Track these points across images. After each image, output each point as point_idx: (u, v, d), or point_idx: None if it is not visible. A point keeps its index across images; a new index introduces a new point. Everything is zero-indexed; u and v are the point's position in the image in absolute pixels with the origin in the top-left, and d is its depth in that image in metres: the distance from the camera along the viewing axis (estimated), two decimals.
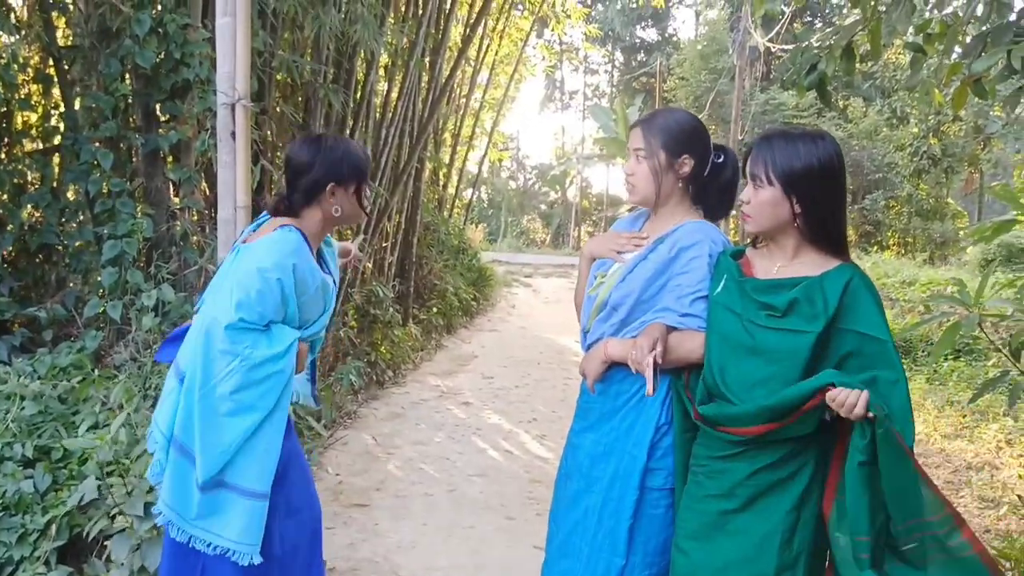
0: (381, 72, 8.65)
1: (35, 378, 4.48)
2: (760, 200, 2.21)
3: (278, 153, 6.55)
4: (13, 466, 3.67)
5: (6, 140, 5.63)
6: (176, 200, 5.57)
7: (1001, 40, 3.48)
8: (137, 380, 4.41)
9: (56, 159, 5.68)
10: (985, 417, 7.30)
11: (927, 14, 4.45)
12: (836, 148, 2.19)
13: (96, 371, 4.58)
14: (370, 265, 8.54)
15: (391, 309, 8.70)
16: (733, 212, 2.65)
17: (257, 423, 2.49)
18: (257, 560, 2.49)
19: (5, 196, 5.34)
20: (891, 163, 24.93)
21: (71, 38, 5.80)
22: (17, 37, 5.42)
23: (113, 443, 3.64)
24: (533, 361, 10.13)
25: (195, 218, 5.55)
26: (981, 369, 8.77)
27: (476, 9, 10.94)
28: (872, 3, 4.12)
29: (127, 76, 5.37)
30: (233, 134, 3.28)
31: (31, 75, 5.81)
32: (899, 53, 21.70)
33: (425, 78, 9.75)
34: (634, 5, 40.03)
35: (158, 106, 5.42)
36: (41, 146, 5.80)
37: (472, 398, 7.91)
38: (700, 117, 2.63)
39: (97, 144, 5.26)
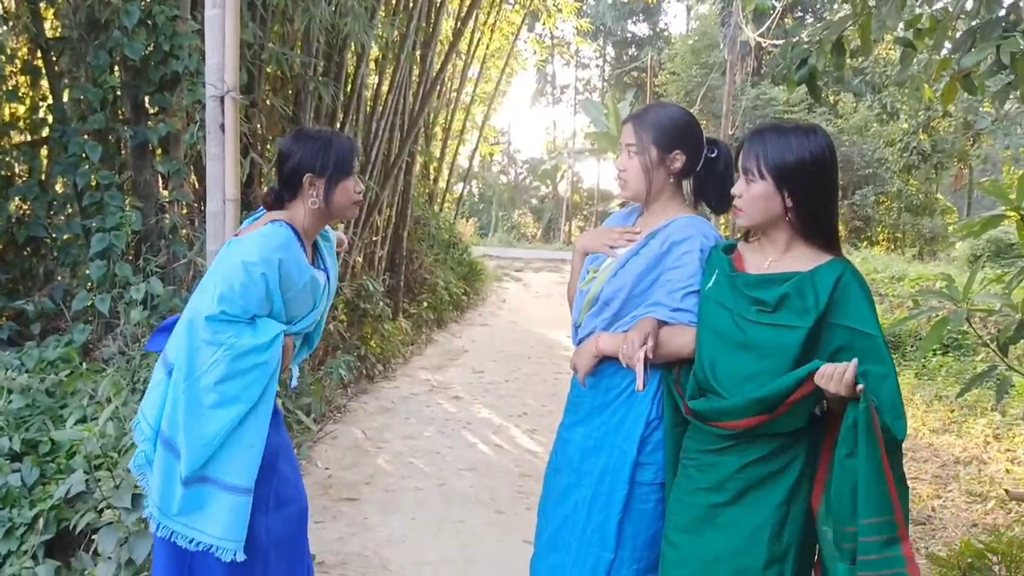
0: (371, 65, 8.63)
1: (23, 371, 4.46)
2: (752, 194, 2.21)
3: (268, 146, 6.53)
4: (0, 460, 3.65)
5: None
6: (165, 193, 5.54)
7: (990, 35, 3.49)
8: (125, 373, 4.40)
9: (44, 151, 5.65)
10: (973, 412, 7.34)
11: (917, 9, 4.46)
12: (828, 142, 2.19)
13: (84, 364, 4.57)
14: (360, 259, 8.52)
15: (381, 303, 8.69)
16: None
17: (242, 415, 2.47)
18: (241, 557, 2.47)
19: None
20: (881, 158, 25.00)
21: (59, 29, 5.76)
22: (5, 28, 5.39)
23: (101, 436, 3.63)
24: (523, 355, 10.14)
25: (184, 211, 5.52)
26: (969, 364, 8.81)
27: (467, 2, 10.90)
28: None
29: (116, 68, 5.34)
30: (222, 126, 3.26)
31: (19, 67, 5.77)
32: (889, 48, 21.76)
33: (416, 71, 9.72)
34: (625, 0, 40.01)
35: (147, 98, 5.39)
36: (29, 138, 5.76)
37: (462, 392, 7.91)
38: (691, 112, 2.63)
39: (85, 136, 5.23)
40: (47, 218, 5.44)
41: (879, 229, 25.59)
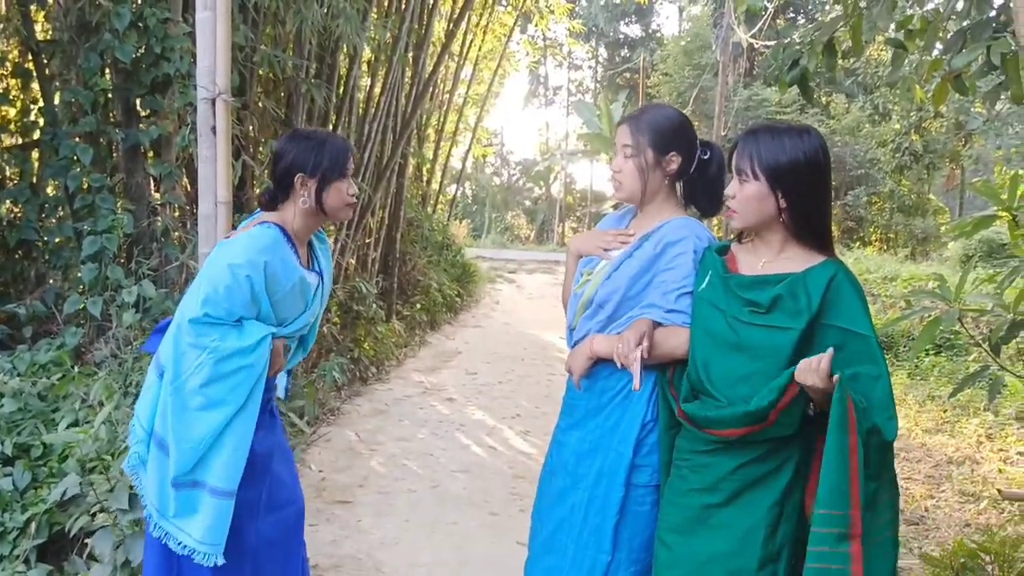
0: (364, 67, 8.62)
1: (14, 375, 4.44)
2: (746, 194, 2.20)
3: (260, 148, 6.52)
4: None
5: None
6: (157, 196, 5.53)
7: (981, 36, 3.50)
8: (117, 377, 4.38)
9: (35, 154, 5.62)
10: (966, 411, 7.36)
11: (908, 10, 4.47)
12: (821, 143, 2.19)
13: (76, 368, 4.55)
14: (353, 261, 8.51)
15: (374, 305, 8.69)
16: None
17: (228, 418, 2.46)
18: (220, 562, 2.46)
19: None
20: (873, 159, 25.07)
21: (50, 32, 5.74)
22: None
23: (94, 439, 3.62)
24: (517, 357, 10.14)
25: (176, 214, 5.51)
26: (962, 364, 8.83)
27: (459, 4, 10.90)
28: None
29: (107, 71, 5.32)
30: (214, 129, 3.25)
31: (9, 69, 5.74)
32: (881, 49, 21.84)
33: (408, 73, 9.72)
34: (617, 1, 40.04)
35: (138, 101, 5.38)
36: (20, 141, 5.74)
37: (456, 394, 7.91)
38: (684, 113, 2.63)
39: (77, 139, 5.21)
40: (38, 221, 5.42)
41: (871, 229, 25.66)
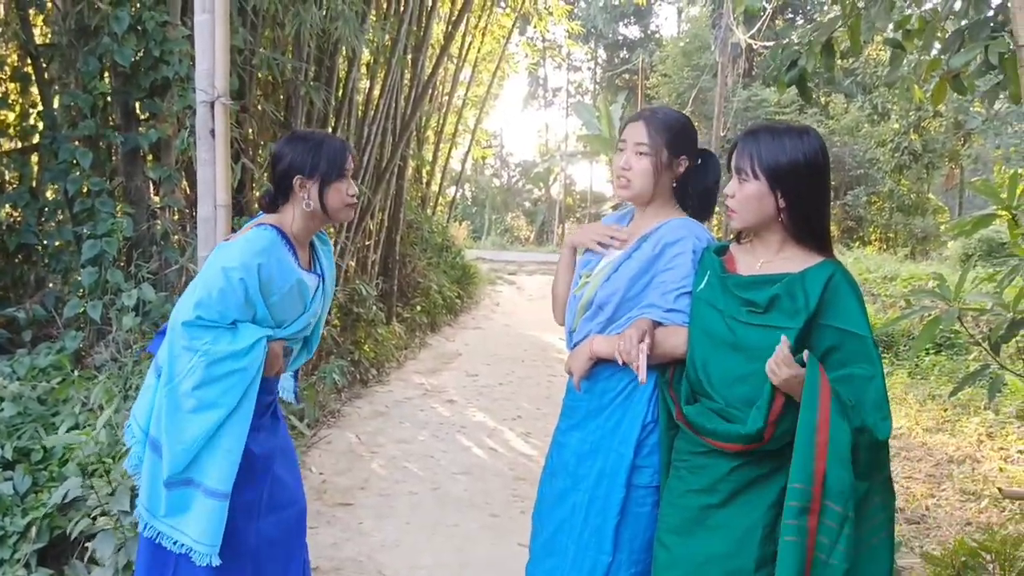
0: (363, 70, 8.63)
1: (14, 379, 4.44)
2: (745, 194, 2.20)
3: (259, 151, 6.52)
4: None
5: None
6: (156, 199, 5.53)
7: (979, 36, 3.50)
8: (117, 380, 4.38)
9: (35, 158, 5.63)
10: (966, 410, 7.36)
11: (906, 10, 4.47)
12: (821, 144, 2.19)
13: (76, 372, 4.55)
14: (353, 263, 8.51)
15: (374, 307, 8.69)
16: (717, 211, 2.66)
17: (220, 420, 2.46)
18: (216, 562, 2.47)
19: None
20: (872, 159, 25.08)
21: (49, 36, 5.75)
22: None
23: (95, 443, 3.62)
24: (517, 358, 10.14)
25: (175, 217, 5.51)
26: (962, 363, 8.83)
27: (458, 6, 10.91)
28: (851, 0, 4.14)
29: (106, 74, 5.32)
30: (213, 132, 3.25)
31: (8, 73, 5.76)
32: (879, 49, 21.83)
33: (407, 75, 9.72)
34: (616, 2, 40.07)
35: (137, 104, 5.38)
36: (19, 145, 5.74)
37: (456, 396, 7.91)
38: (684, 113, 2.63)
39: (76, 143, 5.22)
40: (38, 225, 5.42)
41: (871, 229, 25.67)
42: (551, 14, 17.14)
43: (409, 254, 11.36)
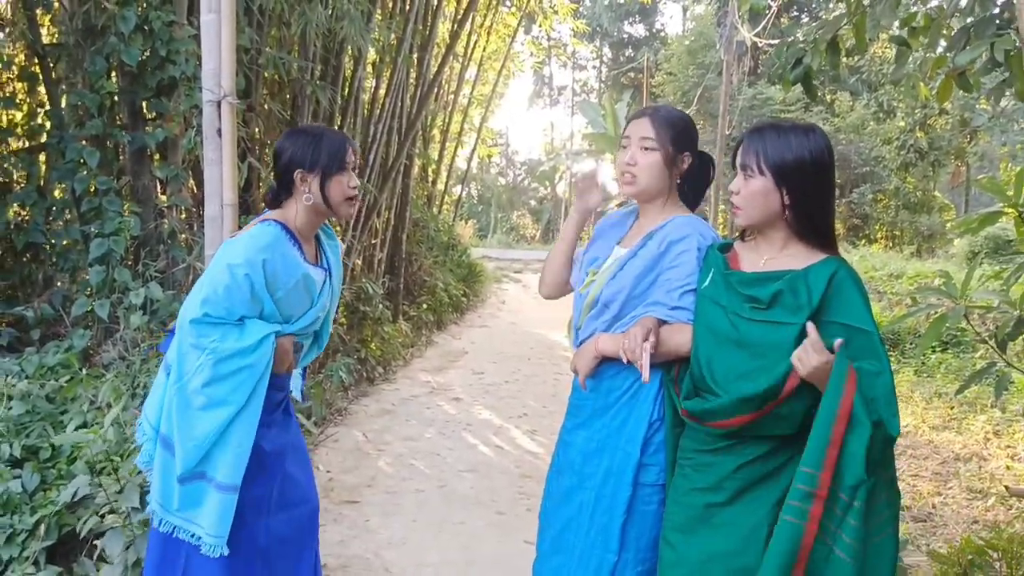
0: (369, 69, 8.64)
1: (23, 378, 4.46)
2: (751, 190, 2.20)
3: (266, 150, 6.54)
4: (1, 466, 3.65)
5: None
6: (163, 198, 5.56)
7: (984, 33, 3.49)
8: (125, 379, 4.40)
9: (42, 157, 5.65)
10: (973, 408, 7.35)
11: (912, 8, 4.46)
12: (826, 142, 2.19)
13: (84, 370, 4.57)
14: (359, 262, 8.52)
15: (381, 306, 8.70)
16: (716, 209, 2.66)
17: (230, 417, 2.48)
18: (225, 552, 2.49)
19: None
20: (878, 157, 25.04)
21: (56, 36, 5.78)
22: (1, 35, 5.40)
23: (103, 440, 3.64)
24: (523, 356, 10.14)
25: (183, 216, 5.53)
26: (968, 361, 8.82)
27: (463, 5, 10.92)
28: None
29: (113, 74, 5.35)
30: (219, 131, 3.26)
31: (16, 73, 5.78)
32: (885, 47, 21.79)
33: (413, 74, 9.74)
34: (621, 1, 40.03)
35: (144, 103, 5.40)
36: (27, 144, 5.77)
37: (462, 394, 7.92)
38: (688, 112, 2.65)
39: (83, 142, 5.24)
40: (46, 224, 5.45)
41: (877, 227, 25.63)
42: (556, 13, 17.15)
43: (415, 252, 11.37)
